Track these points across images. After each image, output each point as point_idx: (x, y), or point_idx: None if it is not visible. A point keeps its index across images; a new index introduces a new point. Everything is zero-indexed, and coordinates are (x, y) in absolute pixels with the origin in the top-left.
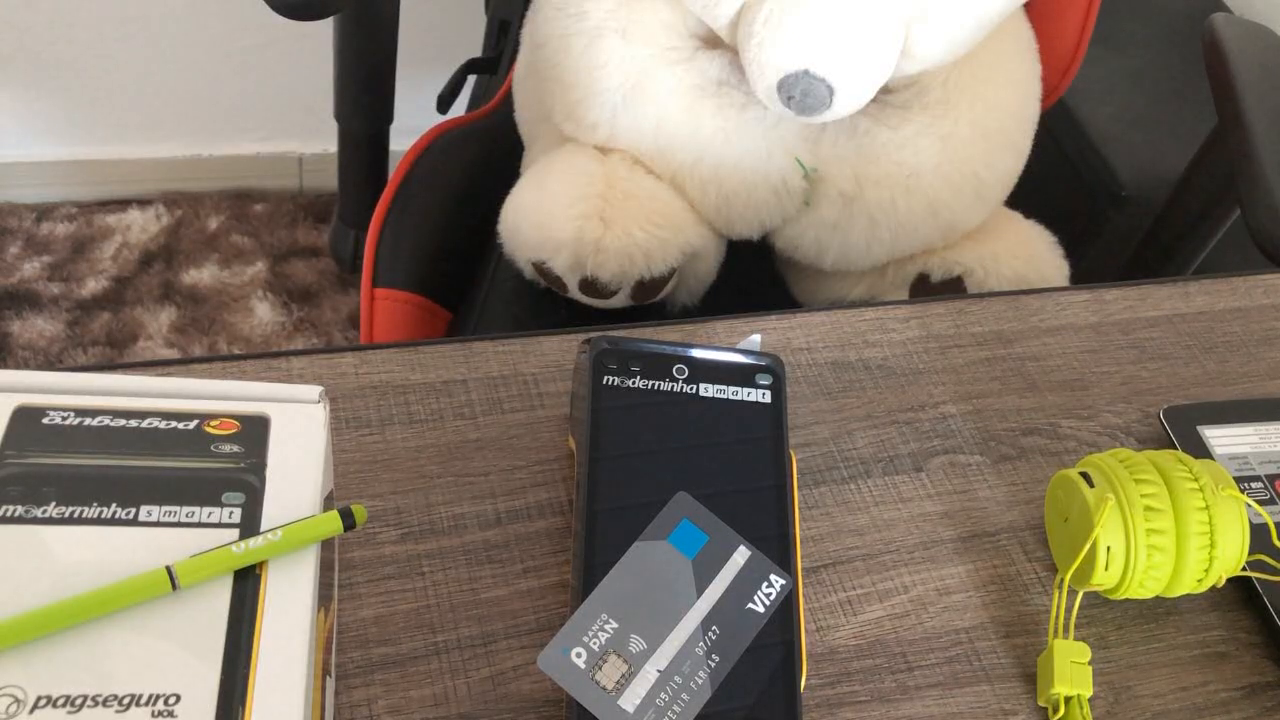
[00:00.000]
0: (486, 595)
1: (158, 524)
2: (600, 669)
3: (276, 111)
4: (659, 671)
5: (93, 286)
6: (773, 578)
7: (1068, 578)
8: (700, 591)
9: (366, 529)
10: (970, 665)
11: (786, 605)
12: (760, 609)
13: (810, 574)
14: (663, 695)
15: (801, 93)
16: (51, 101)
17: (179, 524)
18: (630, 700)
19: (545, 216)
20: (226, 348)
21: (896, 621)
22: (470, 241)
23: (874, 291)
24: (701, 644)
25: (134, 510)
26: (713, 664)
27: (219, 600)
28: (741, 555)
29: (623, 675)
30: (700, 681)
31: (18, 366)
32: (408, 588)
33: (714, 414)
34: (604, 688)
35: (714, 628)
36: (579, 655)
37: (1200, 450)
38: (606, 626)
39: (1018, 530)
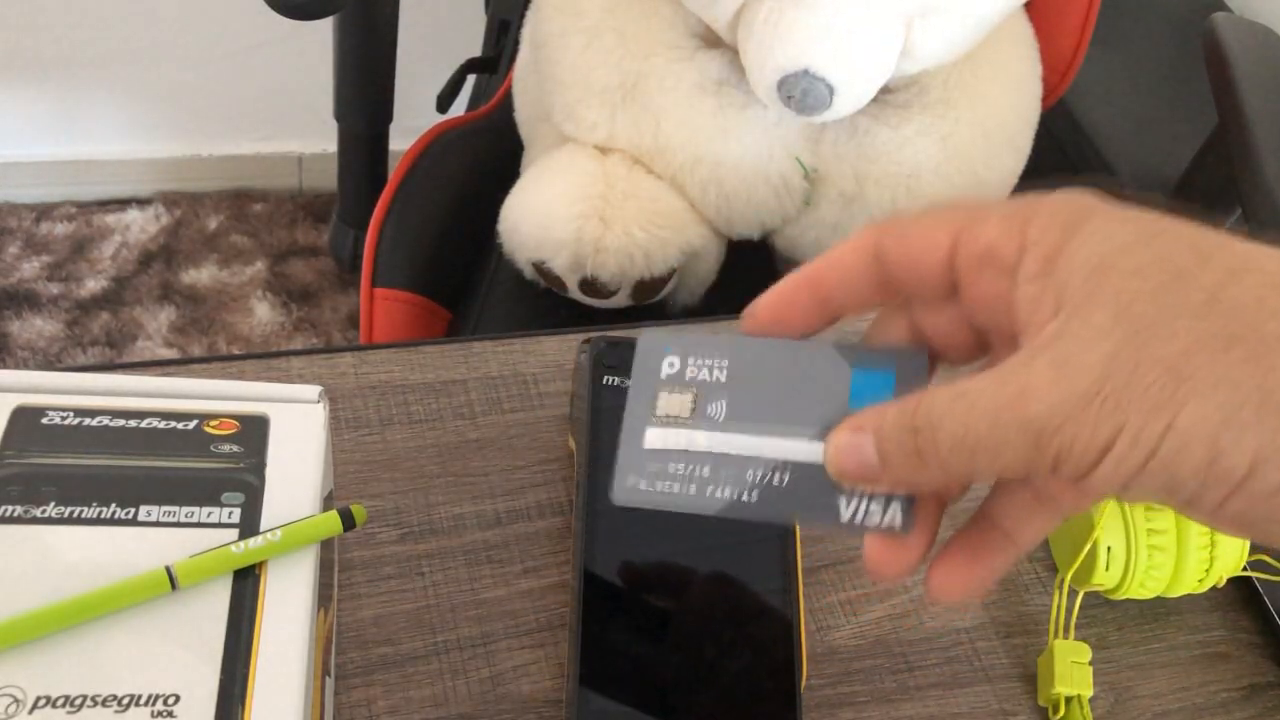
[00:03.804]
0: (486, 595)
1: (157, 524)
2: (670, 393)
3: (276, 111)
4: (706, 451)
5: (92, 286)
6: (893, 508)
7: (1068, 578)
8: (818, 438)
9: (366, 529)
10: (971, 665)
11: (786, 605)
12: (843, 515)
13: (810, 574)
14: (679, 467)
15: (802, 92)
16: (51, 101)
17: (178, 524)
18: (655, 440)
19: (545, 216)
20: (226, 348)
21: (897, 622)
22: (470, 241)
23: None
24: (762, 471)
25: (133, 510)
26: (745, 499)
27: (218, 600)
28: None
29: (675, 417)
30: (720, 496)
31: (17, 366)
32: (407, 588)
33: None
34: (655, 405)
35: (787, 477)
36: (671, 364)
37: None
38: (715, 371)
39: None
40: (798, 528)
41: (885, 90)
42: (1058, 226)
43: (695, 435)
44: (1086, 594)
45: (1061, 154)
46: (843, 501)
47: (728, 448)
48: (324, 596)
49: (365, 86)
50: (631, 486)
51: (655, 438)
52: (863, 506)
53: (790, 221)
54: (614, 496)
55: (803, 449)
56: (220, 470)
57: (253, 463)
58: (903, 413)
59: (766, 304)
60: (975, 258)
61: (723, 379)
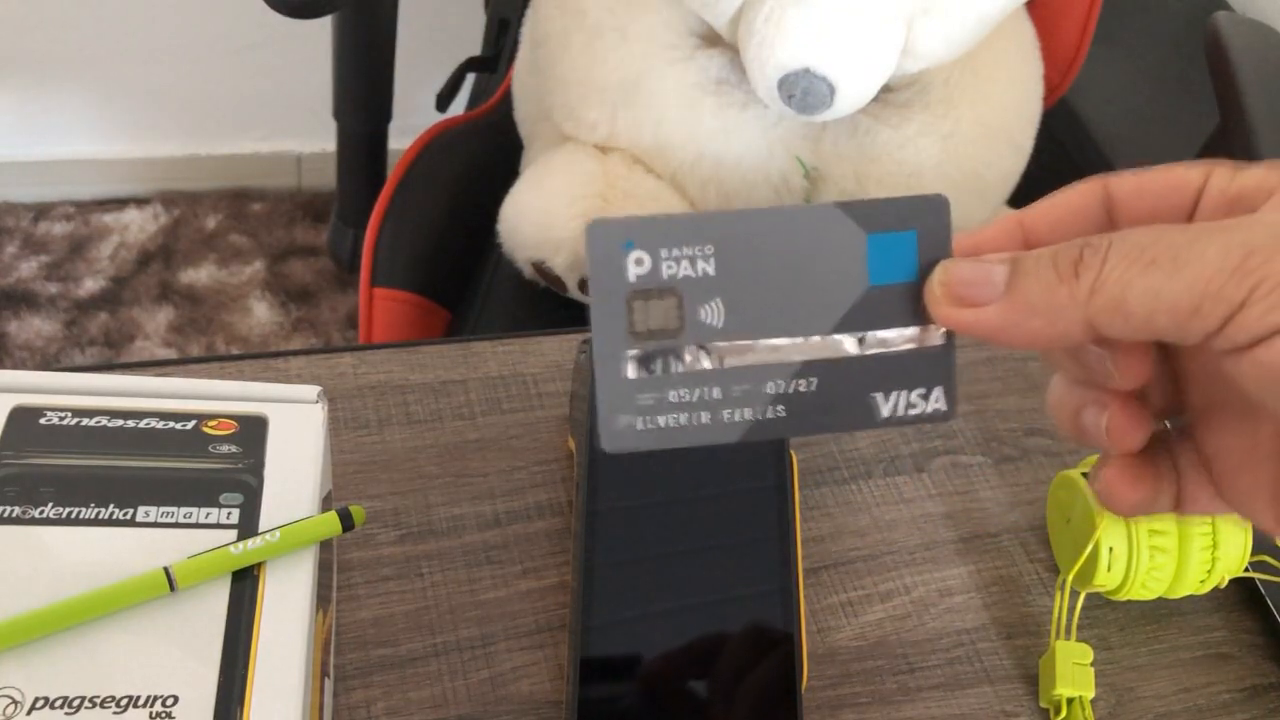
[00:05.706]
0: (486, 596)
1: (155, 525)
2: (646, 301)
3: (275, 110)
4: (710, 369)
5: (90, 286)
6: (936, 394)
7: (1070, 579)
8: (840, 328)
9: (365, 530)
10: (972, 666)
11: (787, 606)
12: (882, 412)
13: (811, 575)
14: (682, 393)
15: (802, 91)
16: (50, 101)
17: (177, 525)
18: (639, 368)
19: (545, 216)
20: (224, 348)
21: (898, 623)
22: (469, 241)
23: None
24: (781, 383)
25: (132, 511)
26: (769, 416)
27: (217, 601)
28: (934, 337)
29: (659, 330)
30: (739, 420)
31: (15, 367)
32: (406, 589)
33: None
34: (630, 321)
35: (814, 380)
36: (639, 261)
37: None
38: (699, 263)
39: (1019, 531)
40: (798, 533)
41: (886, 89)
42: None
43: (693, 351)
44: (1088, 595)
45: (1063, 153)
46: (879, 397)
47: (737, 360)
48: (323, 597)
49: (364, 85)
50: (625, 429)
51: (640, 362)
52: (902, 399)
53: None
54: (604, 444)
55: (828, 344)
56: (218, 471)
57: (251, 463)
58: (1070, 243)
59: (969, 245)
60: (1228, 197)
61: (711, 271)
